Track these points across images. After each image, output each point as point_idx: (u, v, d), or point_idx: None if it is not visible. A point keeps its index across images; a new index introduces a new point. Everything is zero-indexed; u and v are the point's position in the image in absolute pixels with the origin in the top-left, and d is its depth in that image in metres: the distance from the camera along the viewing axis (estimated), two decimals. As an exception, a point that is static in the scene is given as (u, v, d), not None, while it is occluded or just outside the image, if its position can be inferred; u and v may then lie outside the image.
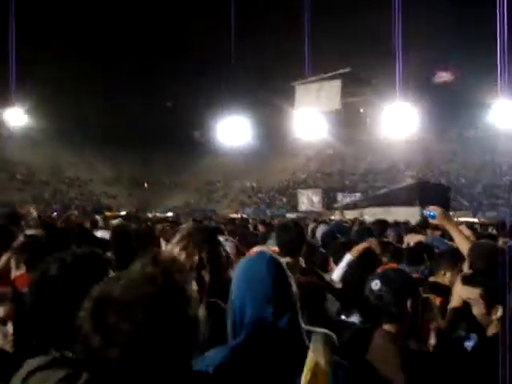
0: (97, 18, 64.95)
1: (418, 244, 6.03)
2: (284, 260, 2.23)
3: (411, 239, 6.70)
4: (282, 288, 2.06)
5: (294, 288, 2.08)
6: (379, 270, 2.94)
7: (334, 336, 2.62)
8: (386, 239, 6.67)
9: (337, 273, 4.53)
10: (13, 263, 4.04)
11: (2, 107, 47.83)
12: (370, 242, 5.04)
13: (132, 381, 1.21)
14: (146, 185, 72.24)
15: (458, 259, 4.20)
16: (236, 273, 2.17)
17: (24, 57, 39.74)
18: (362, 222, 16.33)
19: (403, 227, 10.28)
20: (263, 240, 7.40)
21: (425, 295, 3.09)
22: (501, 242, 7.98)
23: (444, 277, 4.24)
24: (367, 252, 4.27)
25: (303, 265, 4.39)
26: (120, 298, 1.21)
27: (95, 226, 10.73)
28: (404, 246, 6.50)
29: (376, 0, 49.88)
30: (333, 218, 25.88)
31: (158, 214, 40.00)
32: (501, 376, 2.37)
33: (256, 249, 5.00)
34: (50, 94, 54.01)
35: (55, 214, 31.90)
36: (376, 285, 2.79)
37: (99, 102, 62.15)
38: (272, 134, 66.87)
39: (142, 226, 14.81)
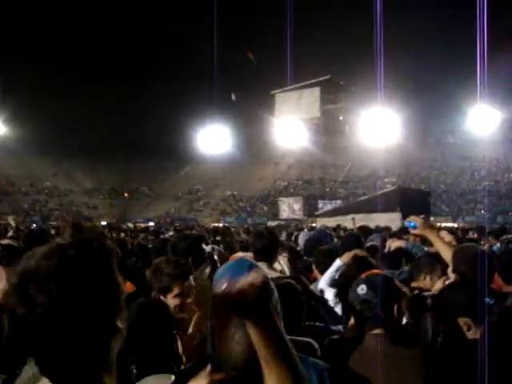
0: (77, 30, 64.83)
1: (398, 249, 6.10)
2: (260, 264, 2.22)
3: (392, 244, 6.77)
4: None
5: (276, 295, 1.93)
6: (363, 275, 2.92)
7: (316, 344, 2.62)
8: (371, 244, 6.78)
9: (325, 279, 4.55)
10: None
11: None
12: (358, 251, 5.06)
13: (52, 349, 1.25)
14: (126, 195, 71.91)
15: (437, 263, 4.25)
16: (214, 280, 2.06)
17: (2, 67, 39.52)
18: (344, 229, 16.43)
19: (386, 233, 10.35)
20: (245, 249, 7.41)
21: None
22: (487, 244, 8.11)
23: (424, 281, 4.27)
24: (360, 257, 4.30)
25: (277, 270, 4.54)
26: (35, 270, 1.25)
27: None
28: (386, 250, 6.56)
29: (356, 7, 50.27)
30: (314, 225, 25.98)
31: (138, 224, 39.80)
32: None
33: (237, 255, 5.08)
34: (28, 105, 53.69)
35: (34, 225, 31.60)
36: (362, 289, 2.75)
37: (78, 113, 61.92)
38: (252, 143, 66.95)
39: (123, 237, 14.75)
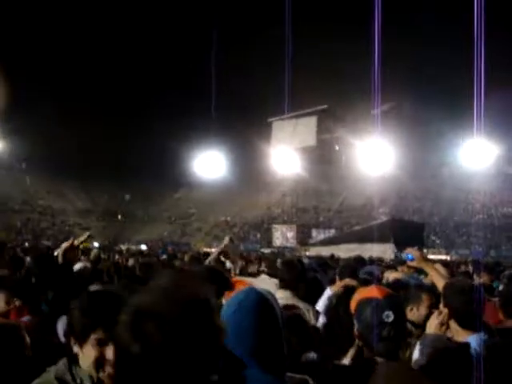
0: (77, 57, 65.34)
1: (396, 281, 6.11)
2: (284, 293, 2.16)
3: (390, 276, 6.79)
4: (270, 337, 1.93)
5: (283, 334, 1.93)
6: (381, 295, 2.80)
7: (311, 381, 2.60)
8: (366, 276, 6.79)
9: (318, 305, 4.58)
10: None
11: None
12: (348, 280, 5.07)
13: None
14: (119, 217, 71.76)
15: (425, 294, 4.25)
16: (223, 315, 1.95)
17: (2, 87, 39.68)
18: (337, 259, 16.39)
19: (380, 264, 10.39)
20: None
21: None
22: (483, 279, 8.13)
23: (411, 313, 4.25)
24: (350, 287, 4.30)
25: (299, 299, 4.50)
26: (153, 309, 1.29)
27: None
28: (384, 282, 6.56)
29: (354, 39, 50.76)
30: (307, 253, 25.93)
31: (131, 247, 39.65)
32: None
33: (236, 279, 5.06)
34: (23, 123, 53.71)
35: (26, 243, 31.48)
36: (388, 316, 2.66)
37: (73, 133, 61.92)
38: (248, 169, 67.01)
39: (115, 259, 14.69)
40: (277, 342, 1.93)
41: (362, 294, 2.92)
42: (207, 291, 1.42)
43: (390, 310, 2.66)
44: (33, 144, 56.89)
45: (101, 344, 2.04)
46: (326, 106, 57.33)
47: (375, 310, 2.69)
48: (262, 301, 1.96)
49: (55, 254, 4.83)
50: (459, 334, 3.30)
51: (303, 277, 4.64)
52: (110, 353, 1.96)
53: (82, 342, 2.08)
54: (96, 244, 37.81)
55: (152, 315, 1.26)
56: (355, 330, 2.82)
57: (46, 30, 61.52)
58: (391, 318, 2.64)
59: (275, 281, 4.88)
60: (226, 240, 7.22)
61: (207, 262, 6.77)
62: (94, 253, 14.73)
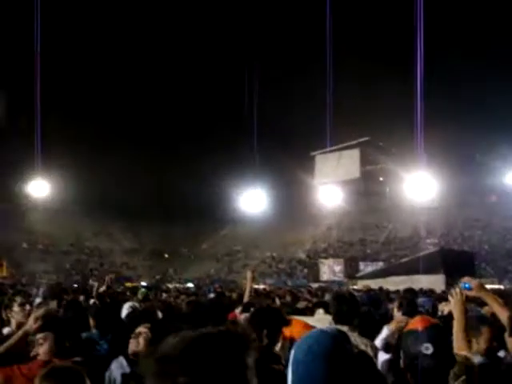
0: (122, 93, 66.72)
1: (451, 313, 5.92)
2: (342, 329, 2.07)
3: (445, 308, 6.57)
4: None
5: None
6: (421, 326, 2.77)
7: None
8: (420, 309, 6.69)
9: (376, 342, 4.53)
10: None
11: (26, 179, 48.84)
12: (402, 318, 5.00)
13: None
14: (166, 256, 72.26)
15: (484, 325, 4.11)
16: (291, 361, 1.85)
17: (47, 129, 40.70)
18: (387, 292, 16.13)
19: (433, 296, 10.17)
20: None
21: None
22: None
23: (470, 345, 4.11)
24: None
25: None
26: (175, 353, 1.30)
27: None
28: (439, 315, 6.41)
29: (396, 70, 50.72)
30: (356, 287, 25.59)
31: (177, 285, 39.79)
32: None
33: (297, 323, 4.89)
34: (72, 166, 54.94)
35: (75, 285, 31.88)
36: (427, 349, 2.63)
37: (120, 174, 62.98)
38: (292, 204, 66.96)
39: (166, 298, 14.73)
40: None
41: (408, 325, 2.94)
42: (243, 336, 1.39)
43: (429, 343, 2.62)
44: (79, 185, 58.05)
45: None
46: (368, 138, 57.22)
47: (414, 341, 2.69)
48: (336, 347, 1.81)
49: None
50: None
51: (357, 310, 4.55)
52: None
53: None
54: (143, 283, 38.13)
55: (175, 359, 1.27)
56: (401, 361, 2.78)
57: (90, 68, 63.19)
58: (430, 351, 2.61)
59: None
60: (249, 274, 7.05)
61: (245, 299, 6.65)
62: (141, 292, 14.86)
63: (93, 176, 59.80)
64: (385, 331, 4.56)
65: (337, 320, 4.26)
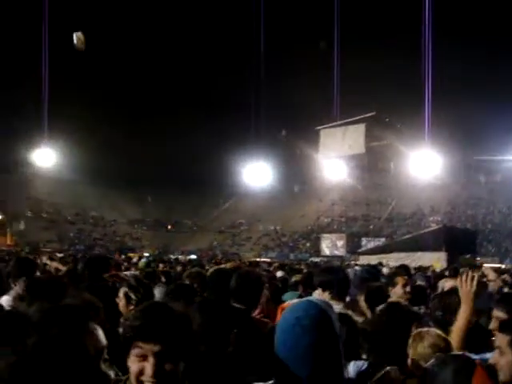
0: (125, 67, 66.30)
1: (453, 289, 5.83)
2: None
3: (446, 284, 6.49)
4: (331, 358, 1.84)
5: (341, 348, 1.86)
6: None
7: None
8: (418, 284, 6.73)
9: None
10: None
11: (31, 147, 48.73)
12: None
13: None
14: (169, 227, 72.40)
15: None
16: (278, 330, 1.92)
17: (55, 98, 40.56)
18: (387, 267, 16.05)
19: (432, 274, 10.15)
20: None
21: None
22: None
23: None
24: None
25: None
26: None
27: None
28: (439, 291, 6.33)
29: (404, 45, 50.20)
30: (357, 262, 25.56)
31: (180, 257, 39.84)
32: None
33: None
34: (78, 137, 54.72)
35: (80, 255, 31.88)
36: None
37: (127, 145, 62.86)
38: (296, 178, 66.90)
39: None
40: (337, 362, 1.85)
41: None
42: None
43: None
44: (84, 155, 57.87)
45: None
46: (374, 113, 56.75)
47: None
48: (323, 317, 1.86)
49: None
50: None
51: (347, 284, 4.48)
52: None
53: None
54: (146, 254, 38.16)
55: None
56: None
57: (92, 37, 62.84)
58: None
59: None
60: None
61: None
62: (142, 263, 14.84)
63: (98, 145, 59.70)
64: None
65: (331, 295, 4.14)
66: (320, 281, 4.39)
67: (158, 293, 5.06)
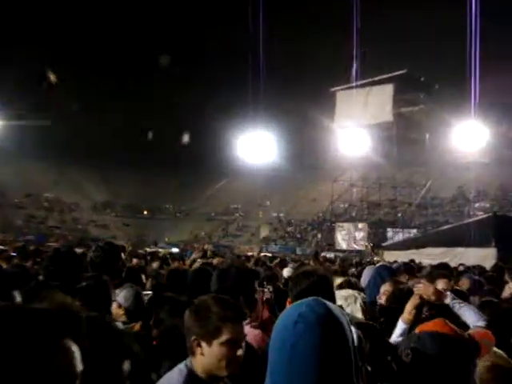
0: (102, 30, 66.58)
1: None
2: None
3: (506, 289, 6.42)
4: (342, 363, 1.84)
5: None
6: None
7: None
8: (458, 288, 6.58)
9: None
10: None
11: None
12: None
13: None
14: (145, 212, 72.49)
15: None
16: (271, 339, 1.97)
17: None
18: (419, 267, 15.79)
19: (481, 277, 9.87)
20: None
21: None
22: None
23: None
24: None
25: None
26: None
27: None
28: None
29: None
30: (378, 259, 25.35)
31: (160, 250, 39.73)
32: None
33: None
34: (29, 102, 54.53)
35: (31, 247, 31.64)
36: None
37: (89, 110, 62.67)
38: (305, 153, 66.68)
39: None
40: (347, 378, 1.84)
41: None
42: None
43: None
44: (37, 126, 57.60)
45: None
46: (405, 71, 56.29)
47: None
48: (332, 317, 1.90)
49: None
50: None
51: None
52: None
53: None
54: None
55: None
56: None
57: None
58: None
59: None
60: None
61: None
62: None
63: (56, 115, 59.42)
64: (400, 326, 4.28)
65: None
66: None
67: (122, 298, 5.00)
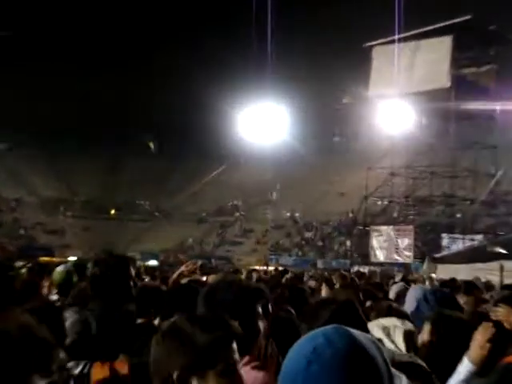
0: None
1: None
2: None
3: None
4: None
5: None
6: None
7: None
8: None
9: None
10: None
11: None
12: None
13: None
14: (112, 212, 72.74)
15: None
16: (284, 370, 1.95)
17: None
18: (488, 286, 15.72)
19: None
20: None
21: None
22: None
23: None
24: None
25: None
26: None
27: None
28: None
29: None
30: (433, 275, 25.33)
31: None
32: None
33: None
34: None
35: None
36: None
37: (39, 80, 63.43)
38: (328, 132, 66.72)
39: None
40: None
41: None
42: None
43: None
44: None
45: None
46: (469, 17, 55.82)
47: None
48: (359, 353, 1.88)
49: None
50: None
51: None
52: None
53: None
54: (72, 258, 38.09)
55: None
56: None
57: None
58: None
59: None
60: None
61: None
62: (57, 273, 14.55)
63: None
64: (465, 364, 4.18)
65: None
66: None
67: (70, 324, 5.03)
